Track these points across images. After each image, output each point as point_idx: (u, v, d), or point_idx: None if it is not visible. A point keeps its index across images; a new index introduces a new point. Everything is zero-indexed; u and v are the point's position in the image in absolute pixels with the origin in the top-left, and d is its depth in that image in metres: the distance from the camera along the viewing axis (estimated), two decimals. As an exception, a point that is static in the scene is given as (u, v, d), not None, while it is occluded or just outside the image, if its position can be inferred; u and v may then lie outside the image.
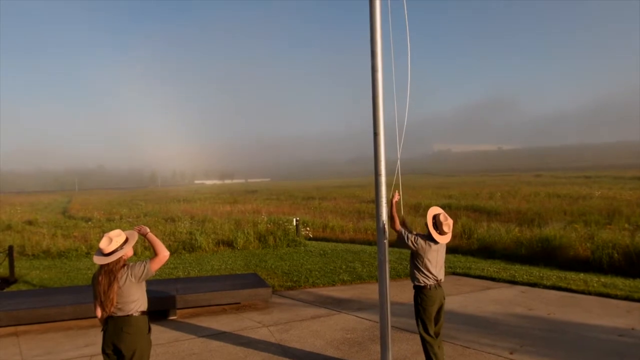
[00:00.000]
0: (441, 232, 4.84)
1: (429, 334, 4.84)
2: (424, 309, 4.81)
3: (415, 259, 4.90)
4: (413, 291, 4.96)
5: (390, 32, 5.62)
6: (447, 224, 4.84)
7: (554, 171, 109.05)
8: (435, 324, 4.90)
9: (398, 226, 5.08)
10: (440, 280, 4.89)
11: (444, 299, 4.95)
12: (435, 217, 4.88)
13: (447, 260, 12.35)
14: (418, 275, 4.85)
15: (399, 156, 5.18)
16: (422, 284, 4.82)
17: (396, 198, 5.15)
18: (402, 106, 5.13)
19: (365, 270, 11.07)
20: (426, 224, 4.91)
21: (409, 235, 4.96)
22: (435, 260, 4.86)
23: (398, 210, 5.22)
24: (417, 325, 4.91)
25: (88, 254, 14.47)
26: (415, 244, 4.89)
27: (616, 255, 11.35)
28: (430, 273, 4.81)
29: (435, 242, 4.83)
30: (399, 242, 5.05)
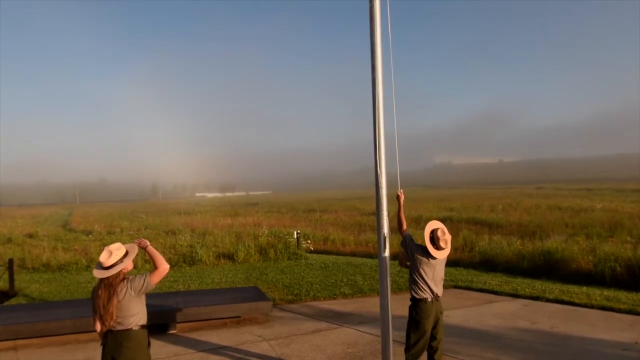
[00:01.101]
0: (438, 247, 4.77)
1: (414, 348, 4.79)
2: (418, 322, 4.76)
3: (413, 272, 4.87)
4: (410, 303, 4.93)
5: (390, 47, 5.66)
6: (445, 239, 4.77)
7: (555, 183, 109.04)
8: (434, 339, 4.85)
9: (405, 229, 5.09)
10: (438, 294, 4.84)
11: (442, 313, 4.90)
12: (433, 232, 4.81)
13: (448, 273, 12.30)
14: (414, 288, 4.82)
15: (397, 159, 5.18)
16: (418, 297, 4.78)
17: (402, 197, 5.13)
18: (399, 118, 5.17)
19: (366, 283, 11.01)
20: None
21: (410, 243, 4.96)
22: (433, 274, 4.80)
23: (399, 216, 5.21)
24: (406, 337, 4.88)
25: (88, 268, 14.42)
26: (410, 254, 4.87)
27: (619, 268, 11.29)
28: (427, 286, 4.77)
29: (433, 257, 4.79)
30: (402, 246, 5.07)
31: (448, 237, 4.83)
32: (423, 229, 4.98)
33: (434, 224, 4.91)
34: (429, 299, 4.77)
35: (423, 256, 4.80)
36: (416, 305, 4.81)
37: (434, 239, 4.79)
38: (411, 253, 4.88)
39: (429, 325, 4.77)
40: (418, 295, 4.79)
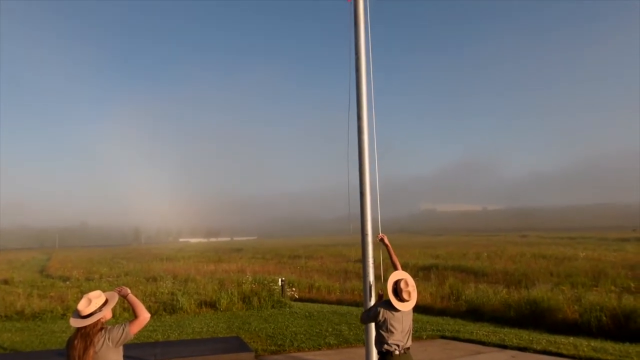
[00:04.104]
0: (402, 299, 4.62)
1: None
2: None
3: (379, 326, 4.73)
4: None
5: (372, 95, 5.84)
6: (408, 290, 4.62)
7: (538, 231, 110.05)
8: None
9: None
10: (407, 347, 4.69)
11: None
12: (396, 283, 4.67)
13: (435, 323, 12.13)
14: (381, 342, 4.68)
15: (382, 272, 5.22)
16: (385, 350, 4.65)
17: (386, 239, 5.20)
18: (384, 165, 5.31)
19: (352, 333, 10.76)
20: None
21: (370, 310, 4.92)
22: (401, 327, 4.66)
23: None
24: None
25: (64, 316, 13.89)
26: (376, 317, 4.73)
27: (604, 318, 11.26)
28: (394, 340, 4.62)
29: (396, 310, 4.64)
30: (365, 321, 5.15)
31: (412, 288, 4.67)
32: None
33: (397, 275, 4.77)
34: (396, 352, 4.61)
35: (387, 309, 4.66)
36: (383, 359, 4.67)
37: (397, 291, 4.65)
38: (375, 313, 4.74)
39: None
40: (384, 349, 4.65)
